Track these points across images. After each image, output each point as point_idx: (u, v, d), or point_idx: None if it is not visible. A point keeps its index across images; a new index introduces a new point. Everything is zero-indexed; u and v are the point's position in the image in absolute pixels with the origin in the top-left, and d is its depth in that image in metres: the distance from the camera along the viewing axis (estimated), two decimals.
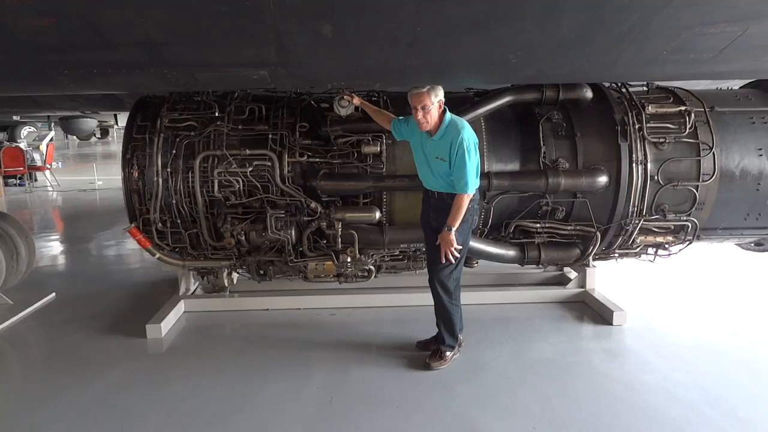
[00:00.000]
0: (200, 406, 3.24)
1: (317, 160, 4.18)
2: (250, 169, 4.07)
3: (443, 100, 3.36)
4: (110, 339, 4.17)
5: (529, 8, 2.45)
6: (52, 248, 7.23)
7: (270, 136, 4.14)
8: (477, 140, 3.42)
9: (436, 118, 3.36)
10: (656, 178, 4.18)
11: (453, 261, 3.46)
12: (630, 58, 3.02)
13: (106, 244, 7.23)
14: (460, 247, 3.46)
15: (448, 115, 3.40)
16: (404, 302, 4.68)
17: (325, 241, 4.26)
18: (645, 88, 4.49)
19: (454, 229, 3.36)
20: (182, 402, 3.28)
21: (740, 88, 4.91)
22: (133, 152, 4.22)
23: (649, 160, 4.15)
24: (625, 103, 4.28)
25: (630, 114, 4.19)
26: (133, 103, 4.46)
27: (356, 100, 3.86)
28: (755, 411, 3.14)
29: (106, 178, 13.15)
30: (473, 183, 3.35)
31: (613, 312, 4.31)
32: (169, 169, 4.12)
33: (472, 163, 3.32)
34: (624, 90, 4.39)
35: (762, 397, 3.28)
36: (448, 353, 3.66)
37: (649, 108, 4.22)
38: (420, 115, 3.32)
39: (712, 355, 3.81)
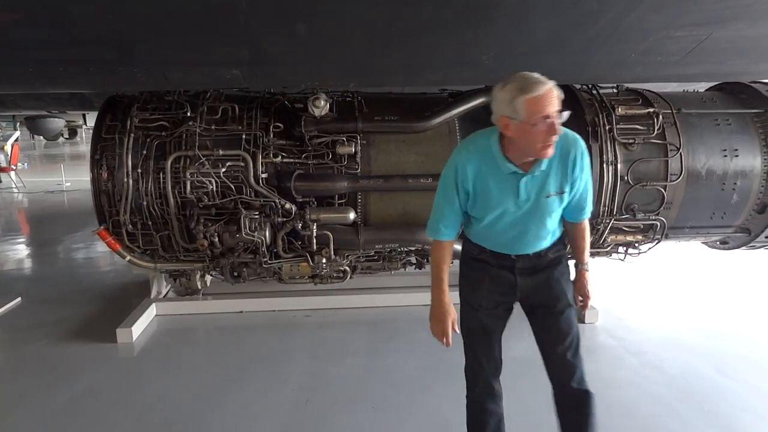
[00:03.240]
0: (172, 410, 3.18)
1: (292, 160, 4.14)
2: (224, 169, 4.02)
3: None
4: (79, 344, 4.06)
5: (502, 11, 2.48)
6: (18, 251, 7.02)
7: (244, 136, 4.09)
8: None
9: None
10: (626, 178, 4.26)
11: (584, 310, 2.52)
12: (600, 61, 3.08)
13: (74, 247, 7.05)
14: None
15: None
16: (380, 303, 4.68)
17: (299, 242, 4.23)
18: (615, 90, 4.58)
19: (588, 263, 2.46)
20: (153, 407, 3.22)
21: (705, 90, 5.04)
22: (102, 153, 4.13)
23: (619, 161, 4.23)
24: (596, 104, 4.35)
25: (600, 115, 4.27)
26: (102, 103, 4.36)
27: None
28: (720, 403, 3.22)
29: (74, 180, 12.83)
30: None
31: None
32: (139, 170, 4.04)
33: None
34: (594, 92, 4.47)
35: (727, 390, 3.37)
36: None
37: (619, 109, 4.30)
38: (555, 126, 2.02)
39: (680, 351, 3.90)
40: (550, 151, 2.05)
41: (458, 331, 2.38)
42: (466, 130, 4.34)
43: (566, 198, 2.21)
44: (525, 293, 2.36)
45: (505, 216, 2.22)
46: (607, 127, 4.23)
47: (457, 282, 2.50)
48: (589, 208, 2.34)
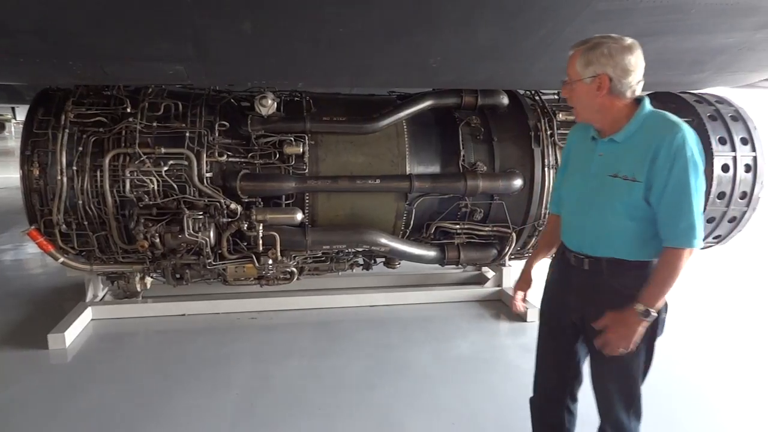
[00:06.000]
0: (108, 419, 3.05)
1: (237, 160, 4.07)
2: (166, 168, 3.90)
3: (612, 76, 1.84)
4: (6, 351, 3.83)
5: (448, 16, 2.53)
6: None
7: (187, 134, 3.98)
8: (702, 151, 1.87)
9: (592, 108, 1.92)
10: None
11: (633, 360, 1.99)
12: (542, 68, 3.19)
13: (1, 249, 6.64)
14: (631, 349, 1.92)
15: (647, 107, 1.92)
16: (327, 304, 4.66)
17: (245, 243, 4.16)
18: (556, 97, 4.75)
19: (653, 311, 1.86)
20: (88, 416, 3.07)
21: None
22: (33, 149, 3.91)
23: (559, 165, 4.39)
24: (538, 110, 4.51)
25: (543, 120, 4.42)
26: (33, 96, 4.14)
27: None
28: (653, 400, 3.39)
29: (1, 177, 12.09)
30: (701, 227, 1.84)
31: (527, 309, 4.51)
32: (74, 168, 3.86)
33: (700, 189, 1.83)
34: (537, 98, 4.62)
35: (659, 387, 3.54)
36: None
37: (560, 115, 4.47)
38: (563, 91, 2.01)
39: None
40: (576, 114, 2.02)
41: (526, 304, 2.46)
42: (413, 132, 4.39)
43: (639, 192, 1.84)
44: (573, 307, 2.10)
45: (574, 190, 2.08)
46: (548, 132, 4.39)
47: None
48: (678, 231, 1.82)
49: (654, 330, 1.95)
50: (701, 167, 1.82)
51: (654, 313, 1.86)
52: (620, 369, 2.02)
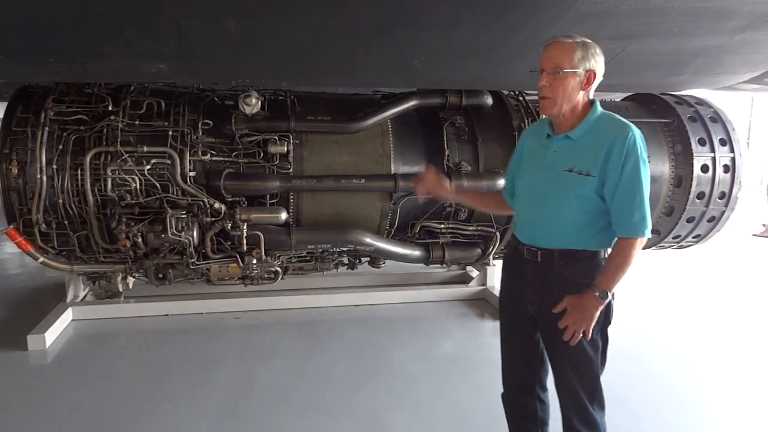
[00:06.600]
0: (90, 422, 3.01)
1: (221, 158, 4.04)
2: (148, 167, 3.86)
3: (597, 74, 1.99)
4: None
5: (434, 17, 2.54)
6: None
7: (170, 132, 3.95)
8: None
9: (572, 101, 2.01)
10: None
11: (590, 348, 2.06)
12: (526, 69, 3.21)
13: None
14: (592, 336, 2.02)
15: (599, 108, 2.06)
16: (312, 303, 4.66)
17: (229, 243, 4.13)
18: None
19: (609, 294, 1.97)
20: (69, 417, 3.04)
21: (621, 100, 5.38)
22: (12, 147, 3.85)
23: (510, 164, 4.41)
24: (522, 110, 4.55)
25: (526, 121, 4.46)
26: (12, 93, 4.07)
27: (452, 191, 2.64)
28: (633, 393, 3.44)
29: None
30: (650, 218, 1.98)
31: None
32: (54, 166, 3.81)
33: (648, 184, 1.97)
34: (521, 98, 4.66)
35: (639, 380, 3.60)
36: None
37: (543, 116, 4.51)
38: (544, 81, 2.00)
39: None
40: (544, 106, 2.06)
41: (421, 192, 2.53)
42: (398, 132, 4.40)
43: (592, 186, 1.96)
44: (529, 298, 2.15)
45: (529, 185, 2.18)
46: None
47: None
48: (631, 223, 1.95)
49: (606, 317, 2.06)
50: (648, 163, 1.98)
51: (610, 296, 1.97)
52: (578, 360, 2.07)
